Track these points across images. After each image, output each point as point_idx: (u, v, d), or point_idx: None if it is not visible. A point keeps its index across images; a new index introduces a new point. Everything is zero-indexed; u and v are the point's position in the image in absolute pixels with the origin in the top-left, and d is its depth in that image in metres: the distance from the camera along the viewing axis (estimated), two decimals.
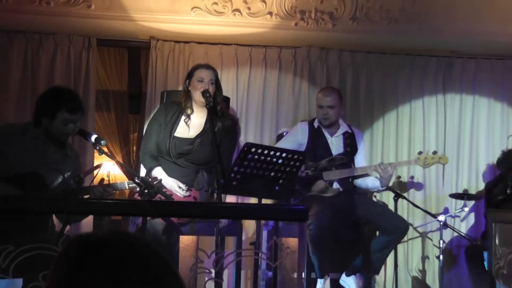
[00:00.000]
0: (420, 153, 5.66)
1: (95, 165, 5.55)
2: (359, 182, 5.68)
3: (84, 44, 6.79)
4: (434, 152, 5.68)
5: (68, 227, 4.25)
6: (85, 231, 1.56)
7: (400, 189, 6.99)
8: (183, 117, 5.10)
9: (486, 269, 4.12)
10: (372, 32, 6.63)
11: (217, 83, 5.13)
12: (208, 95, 4.89)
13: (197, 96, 5.00)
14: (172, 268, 1.42)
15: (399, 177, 7.01)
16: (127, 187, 4.57)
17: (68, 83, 6.38)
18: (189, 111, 5.10)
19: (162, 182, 4.82)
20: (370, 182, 5.66)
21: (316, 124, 5.66)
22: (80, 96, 6.24)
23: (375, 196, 6.62)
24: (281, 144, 5.64)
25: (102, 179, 4.52)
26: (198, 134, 5.09)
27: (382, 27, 6.55)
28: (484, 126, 7.28)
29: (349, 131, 5.73)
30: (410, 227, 6.31)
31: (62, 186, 4.32)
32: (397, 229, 5.38)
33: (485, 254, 5.28)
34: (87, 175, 4.52)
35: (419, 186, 7.10)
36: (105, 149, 4.20)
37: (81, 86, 6.71)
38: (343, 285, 5.40)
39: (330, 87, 6.27)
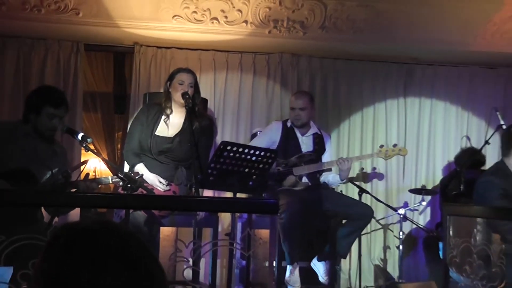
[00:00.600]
0: (381, 146, 5.71)
1: (81, 161, 5.52)
2: (322, 178, 5.72)
3: (72, 48, 6.77)
4: (394, 145, 5.74)
5: (56, 219, 4.23)
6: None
7: (363, 179, 7.04)
8: (163, 117, 5.10)
9: (441, 257, 4.15)
10: (339, 40, 6.65)
11: (196, 86, 5.13)
12: (187, 96, 4.89)
13: (177, 97, 4.99)
14: (154, 255, 1.41)
15: (362, 168, 7.05)
16: (111, 182, 4.55)
17: (58, 85, 6.33)
18: (168, 111, 5.09)
19: (144, 177, 4.81)
20: (331, 177, 5.71)
21: (289, 124, 5.69)
22: (68, 97, 6.25)
23: (341, 191, 6.66)
24: (256, 141, 5.67)
25: (87, 174, 4.50)
26: (177, 133, 5.08)
27: (349, 36, 6.58)
28: (440, 127, 7.36)
29: (319, 133, 5.77)
30: (373, 219, 6.35)
31: (50, 181, 4.30)
32: (362, 215, 5.42)
33: (440, 244, 5.34)
34: (74, 171, 4.51)
35: (380, 177, 7.15)
36: (91, 147, 4.17)
37: (69, 88, 6.68)
38: (314, 268, 5.43)
39: (302, 91, 6.31)
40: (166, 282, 1.42)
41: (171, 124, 5.09)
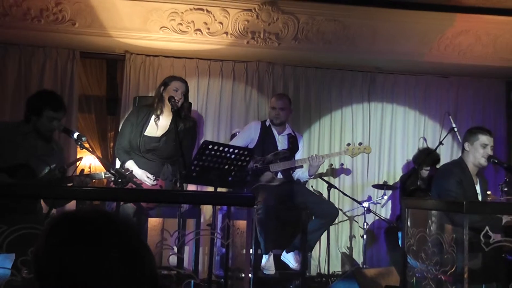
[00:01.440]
0: (348, 144, 5.75)
1: (77, 158, 5.50)
2: (294, 174, 5.75)
3: (69, 56, 6.73)
4: (360, 144, 5.77)
5: (53, 210, 4.21)
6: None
7: (332, 174, 7.07)
8: (153, 117, 5.09)
9: (400, 246, 4.19)
10: (310, 50, 6.67)
11: (186, 94, 5.15)
12: (173, 100, 4.89)
13: (167, 101, 5.01)
14: (144, 241, 1.42)
15: (331, 164, 7.09)
16: (104, 177, 4.54)
17: (55, 89, 6.29)
18: (159, 112, 5.09)
19: (133, 173, 4.80)
20: (301, 173, 5.75)
21: (267, 123, 5.71)
22: (65, 100, 6.21)
23: (312, 186, 6.68)
24: (236, 139, 5.69)
25: (82, 170, 4.49)
26: (164, 133, 5.07)
27: (319, 47, 6.61)
28: (400, 129, 7.41)
29: (293, 134, 5.80)
30: (340, 211, 6.38)
31: (48, 176, 4.28)
32: (329, 215, 5.45)
33: (399, 234, 5.38)
34: (69, 167, 4.49)
35: (348, 172, 7.18)
36: (86, 145, 4.16)
37: (66, 91, 6.65)
38: (284, 261, 5.44)
39: (282, 93, 6.32)
40: (155, 265, 1.43)
41: (160, 125, 5.09)
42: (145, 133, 5.05)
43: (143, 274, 1.36)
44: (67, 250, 1.31)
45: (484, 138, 4.71)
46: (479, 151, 4.70)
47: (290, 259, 5.41)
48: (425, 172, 6.28)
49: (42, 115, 4.24)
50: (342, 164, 7.14)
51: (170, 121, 5.05)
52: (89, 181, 4.38)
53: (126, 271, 1.32)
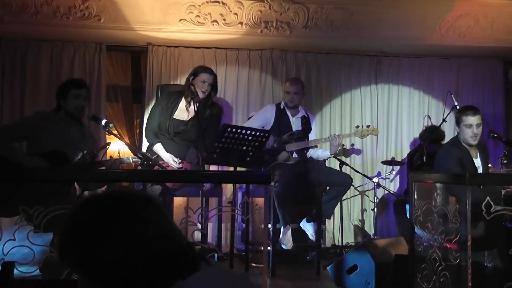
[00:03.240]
0: (357, 126, 5.72)
1: (106, 143, 5.54)
2: (311, 152, 5.74)
3: (96, 49, 6.77)
4: (368, 126, 5.75)
5: (85, 192, 4.26)
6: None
7: (344, 154, 7.06)
8: (183, 103, 5.12)
9: (408, 217, 4.19)
10: (320, 37, 6.63)
11: (214, 84, 5.16)
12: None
13: (200, 92, 5.04)
14: (168, 218, 1.40)
15: (343, 145, 7.07)
16: (132, 161, 4.59)
17: (84, 80, 6.34)
18: (189, 99, 5.11)
19: (161, 155, 4.84)
20: (321, 152, 5.74)
21: (282, 106, 5.70)
22: (93, 90, 6.30)
23: (325, 164, 6.68)
24: (252, 121, 5.68)
25: (111, 157, 4.54)
26: (192, 117, 5.10)
27: (328, 34, 6.57)
28: (406, 109, 7.37)
29: (306, 115, 5.78)
30: (352, 187, 6.38)
31: (80, 161, 4.33)
32: (343, 182, 5.45)
33: (407, 206, 5.37)
34: (99, 151, 4.53)
35: (358, 152, 7.16)
36: (114, 131, 4.19)
37: (94, 82, 6.69)
38: (303, 229, 5.46)
39: (296, 78, 6.31)
40: (185, 239, 1.40)
41: (190, 109, 5.11)
42: (174, 117, 5.10)
43: (174, 248, 1.35)
44: (96, 231, 1.28)
45: (467, 119, 4.65)
46: (466, 132, 4.66)
47: (309, 228, 5.42)
48: (429, 148, 6.25)
49: (67, 95, 4.35)
50: (352, 145, 7.12)
51: (197, 108, 5.07)
52: (118, 164, 4.42)
53: (156, 248, 1.30)
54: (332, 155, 5.78)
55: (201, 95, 5.04)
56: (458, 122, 4.73)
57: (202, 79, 5.08)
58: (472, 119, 4.64)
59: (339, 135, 5.56)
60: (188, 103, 5.10)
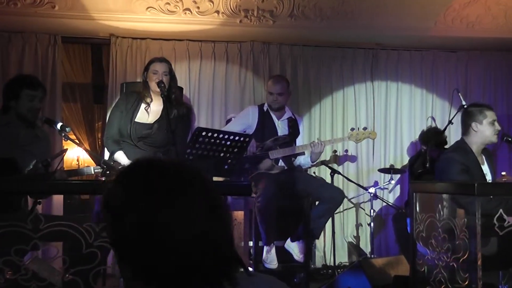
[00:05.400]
0: (352, 129, 5.74)
1: (61, 149, 5.50)
2: (296, 161, 5.75)
3: (50, 41, 6.71)
4: (364, 128, 5.77)
5: (39, 206, 4.20)
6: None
7: (336, 161, 7.08)
8: (143, 105, 5.07)
9: (409, 233, 4.20)
10: (307, 27, 6.65)
11: (171, 74, 5.09)
12: (162, 85, 4.86)
13: (153, 86, 4.97)
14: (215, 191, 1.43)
15: (335, 151, 7.09)
16: (93, 173, 4.54)
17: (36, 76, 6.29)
18: (148, 100, 5.07)
19: (123, 164, 4.80)
20: (303, 159, 5.74)
21: (265, 108, 5.67)
22: (47, 88, 6.19)
23: (314, 173, 6.69)
24: (231, 124, 5.68)
25: (62, 167, 4.48)
26: (156, 119, 5.06)
27: (316, 23, 6.59)
28: (406, 109, 7.41)
29: (293, 117, 5.77)
30: (345, 198, 6.39)
31: (33, 170, 4.27)
32: (333, 199, 5.43)
33: (408, 220, 5.39)
34: (54, 159, 4.48)
35: (352, 159, 7.19)
36: (72, 136, 4.16)
37: (48, 80, 6.61)
38: (288, 250, 5.44)
39: (279, 76, 6.21)
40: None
41: (151, 111, 5.08)
42: (136, 120, 5.05)
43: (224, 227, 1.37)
44: (150, 198, 1.30)
45: (491, 114, 4.68)
46: (490, 129, 4.67)
47: (294, 248, 5.40)
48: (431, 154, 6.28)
49: (20, 96, 4.27)
50: (346, 151, 7.13)
51: (162, 107, 5.03)
52: (65, 177, 4.37)
53: (209, 222, 1.33)
54: (314, 163, 5.79)
55: (153, 87, 4.98)
56: (478, 120, 4.68)
57: (153, 70, 5.03)
58: (494, 114, 4.69)
59: (322, 142, 5.55)
60: (147, 104, 5.07)
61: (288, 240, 5.45)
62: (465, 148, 4.69)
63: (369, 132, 5.68)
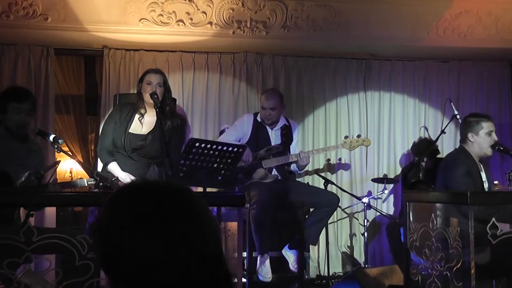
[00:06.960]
0: (346, 137, 5.77)
1: (54, 161, 5.48)
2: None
3: (42, 53, 6.70)
4: (358, 136, 5.80)
5: (31, 218, 4.18)
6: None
7: (330, 170, 7.09)
8: (137, 116, 5.06)
9: (403, 242, 4.20)
10: (300, 38, 6.67)
11: (165, 85, 5.09)
12: (155, 96, 4.86)
13: (147, 97, 4.96)
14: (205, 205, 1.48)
15: (328, 159, 7.09)
16: (86, 185, 4.52)
17: (29, 89, 6.27)
18: (142, 111, 5.06)
19: (117, 175, 4.79)
20: (292, 167, 5.77)
21: (259, 118, 5.69)
22: (40, 100, 6.21)
23: (308, 183, 6.70)
24: (227, 134, 5.69)
25: (56, 179, 4.46)
26: (150, 131, 5.05)
27: (309, 34, 6.61)
28: (399, 119, 7.41)
29: (287, 124, 5.79)
30: (339, 208, 6.39)
31: (25, 182, 4.26)
32: (329, 202, 5.46)
33: (402, 230, 5.40)
34: (47, 171, 4.46)
35: (346, 167, 7.19)
36: (65, 148, 4.16)
37: (41, 92, 6.60)
38: (285, 256, 5.44)
39: (272, 90, 6.13)
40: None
41: (145, 122, 5.07)
42: (130, 131, 5.04)
43: (210, 249, 1.37)
44: (134, 224, 1.32)
45: (488, 125, 4.68)
46: (486, 140, 4.67)
47: (291, 256, 5.39)
48: (425, 164, 6.30)
49: (7, 110, 4.24)
50: (340, 159, 7.14)
51: (156, 118, 5.02)
52: (58, 189, 4.35)
53: (193, 245, 1.34)
54: (302, 171, 5.82)
55: (147, 99, 4.98)
56: (474, 130, 4.69)
57: (147, 81, 5.03)
58: (492, 125, 4.70)
59: (307, 153, 5.57)
60: (141, 115, 5.07)
61: (286, 247, 5.46)
62: (467, 153, 4.70)
63: (362, 140, 5.70)
